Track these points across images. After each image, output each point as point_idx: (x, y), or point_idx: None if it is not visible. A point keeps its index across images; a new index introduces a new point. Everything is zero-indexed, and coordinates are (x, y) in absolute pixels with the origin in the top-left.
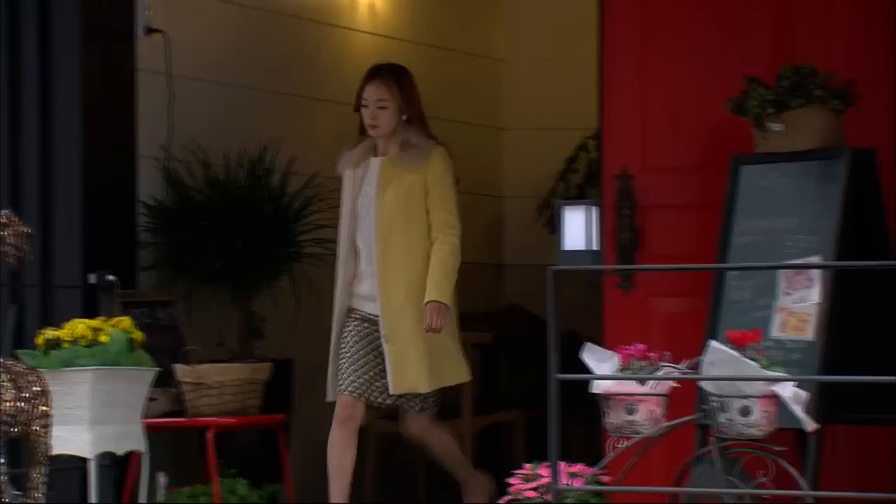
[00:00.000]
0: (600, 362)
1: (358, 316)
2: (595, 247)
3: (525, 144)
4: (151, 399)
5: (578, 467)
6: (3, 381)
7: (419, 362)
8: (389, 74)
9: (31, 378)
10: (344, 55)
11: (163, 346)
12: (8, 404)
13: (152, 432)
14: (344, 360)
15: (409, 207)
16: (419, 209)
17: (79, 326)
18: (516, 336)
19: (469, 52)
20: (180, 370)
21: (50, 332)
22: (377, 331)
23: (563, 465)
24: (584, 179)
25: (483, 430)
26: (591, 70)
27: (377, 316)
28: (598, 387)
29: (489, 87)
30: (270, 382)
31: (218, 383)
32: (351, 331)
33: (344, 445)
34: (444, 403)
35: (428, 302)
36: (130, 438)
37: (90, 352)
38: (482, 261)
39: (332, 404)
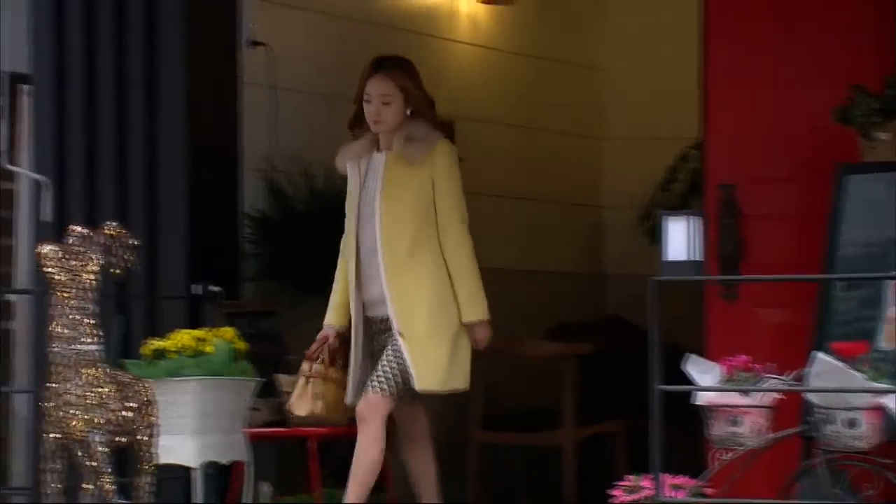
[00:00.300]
0: (703, 373)
1: (367, 323)
2: (697, 257)
3: (626, 154)
4: (254, 409)
5: (681, 479)
6: (111, 391)
7: (439, 361)
8: (393, 67)
9: (137, 388)
10: (444, 66)
11: (266, 357)
12: (115, 414)
13: (255, 442)
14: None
15: (416, 203)
16: (427, 204)
17: (183, 337)
18: (617, 347)
19: (569, 62)
20: (283, 380)
21: (155, 343)
22: (384, 331)
23: (666, 477)
24: (686, 189)
25: (585, 442)
26: (692, 79)
27: (385, 318)
28: (702, 398)
29: (590, 97)
30: None
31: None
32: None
33: (370, 444)
34: (544, 413)
35: (472, 323)
36: (234, 448)
37: (195, 362)
38: (582, 271)
39: (435, 411)
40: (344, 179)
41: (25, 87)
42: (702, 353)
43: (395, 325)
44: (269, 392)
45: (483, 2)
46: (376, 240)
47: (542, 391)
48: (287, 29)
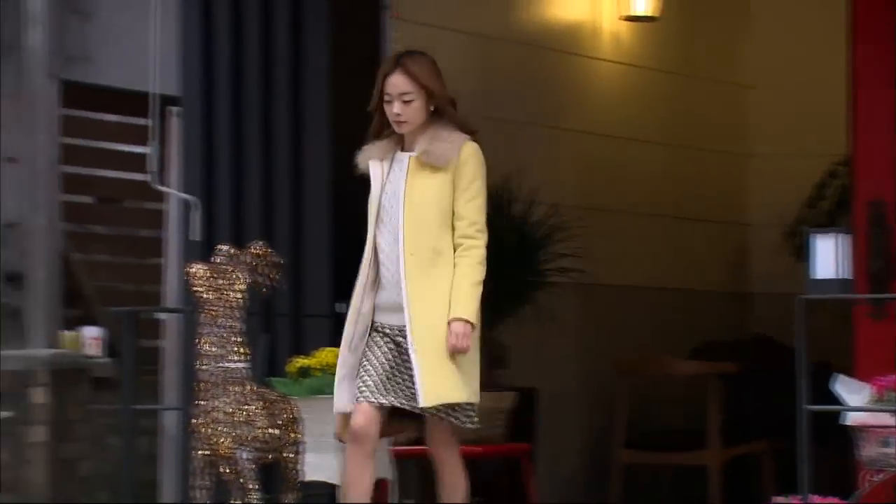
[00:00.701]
0: (853, 393)
1: (381, 331)
2: (846, 275)
3: (772, 171)
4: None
5: (831, 500)
6: (258, 409)
7: (453, 372)
8: (413, 64)
9: (283, 405)
10: (587, 84)
11: None
12: (262, 431)
13: (400, 459)
14: (365, 373)
15: (440, 208)
16: (450, 209)
17: (328, 355)
18: (763, 366)
19: (714, 79)
20: None
21: (300, 361)
22: (402, 345)
23: (815, 499)
24: (833, 206)
25: (730, 462)
26: (839, 94)
27: (402, 327)
28: (852, 419)
29: (735, 114)
30: (515, 411)
31: None
32: (374, 346)
33: (360, 466)
34: (690, 433)
35: (452, 320)
36: (378, 465)
37: None
38: (727, 290)
39: (578, 434)
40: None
41: (174, 109)
42: (850, 373)
43: (411, 339)
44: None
45: (626, 19)
46: (398, 246)
47: (688, 411)
48: (428, 49)
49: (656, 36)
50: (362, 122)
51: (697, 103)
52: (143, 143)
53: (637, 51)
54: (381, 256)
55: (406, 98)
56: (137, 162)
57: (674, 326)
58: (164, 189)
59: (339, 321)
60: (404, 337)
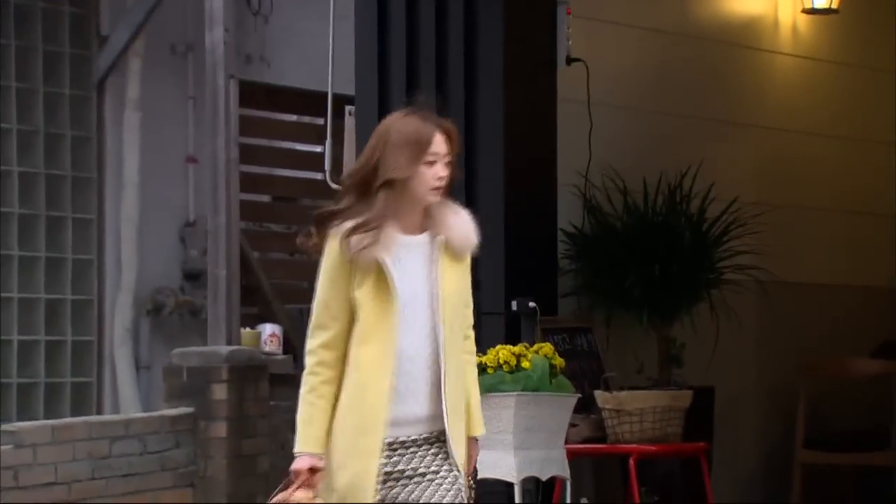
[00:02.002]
0: None
1: (394, 448)
2: None
3: None
4: (572, 425)
5: None
6: None
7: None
8: (450, 125)
9: None
10: (765, 78)
11: (582, 373)
12: None
13: (574, 458)
14: None
15: (466, 301)
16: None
17: (502, 352)
18: None
19: (889, 70)
20: (601, 396)
21: (476, 359)
22: (406, 452)
23: None
24: None
25: None
26: None
27: (424, 437)
28: None
29: None
30: (691, 410)
31: (638, 410)
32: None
33: None
34: (874, 433)
35: (473, 437)
36: (553, 464)
37: (513, 377)
38: None
39: (755, 433)
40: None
41: (349, 108)
42: None
43: (455, 455)
44: (587, 408)
45: (806, 12)
46: (436, 349)
47: (870, 411)
48: (604, 45)
49: (836, 29)
50: (535, 121)
51: (877, 96)
52: (319, 142)
53: (817, 44)
54: (406, 364)
55: (449, 160)
56: (313, 161)
57: (853, 324)
58: (339, 187)
59: (513, 319)
60: (430, 445)
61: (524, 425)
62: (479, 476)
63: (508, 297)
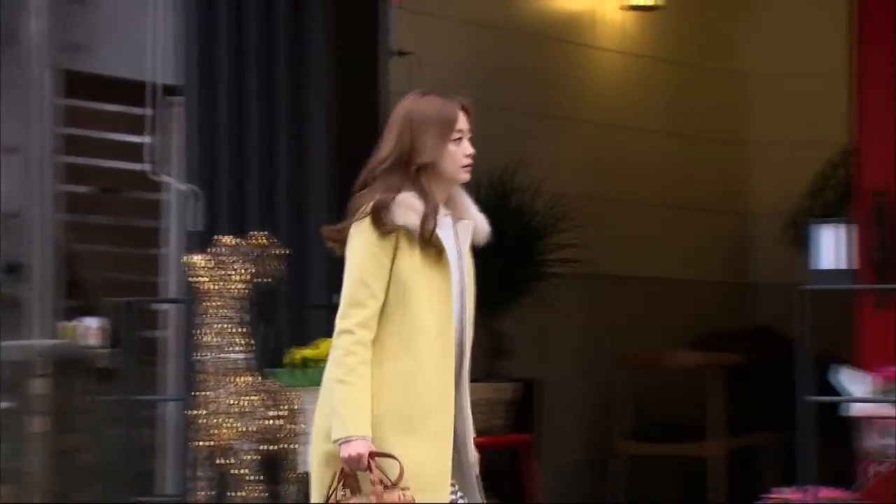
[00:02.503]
0: (855, 384)
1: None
2: (848, 266)
3: (774, 160)
4: None
5: (833, 491)
6: (259, 400)
7: None
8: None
9: (285, 397)
10: (589, 74)
11: None
12: (263, 422)
13: None
14: None
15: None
16: None
17: (329, 346)
18: (767, 357)
19: (716, 68)
20: None
21: (302, 352)
22: None
23: (817, 490)
24: (836, 196)
25: (735, 454)
26: (842, 83)
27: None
28: (854, 410)
29: (737, 103)
30: (517, 402)
31: (474, 401)
32: None
33: None
34: (692, 425)
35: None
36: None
37: None
38: (729, 280)
39: (580, 424)
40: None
41: (175, 99)
42: (852, 364)
43: (472, 456)
44: None
45: (629, 8)
46: (461, 348)
47: (690, 402)
48: (431, 38)
49: (659, 25)
50: (362, 114)
51: (700, 93)
52: (143, 132)
53: (640, 40)
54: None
55: (470, 137)
56: (138, 151)
57: (676, 317)
58: (163, 179)
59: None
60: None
61: None
62: (305, 470)
63: (334, 291)
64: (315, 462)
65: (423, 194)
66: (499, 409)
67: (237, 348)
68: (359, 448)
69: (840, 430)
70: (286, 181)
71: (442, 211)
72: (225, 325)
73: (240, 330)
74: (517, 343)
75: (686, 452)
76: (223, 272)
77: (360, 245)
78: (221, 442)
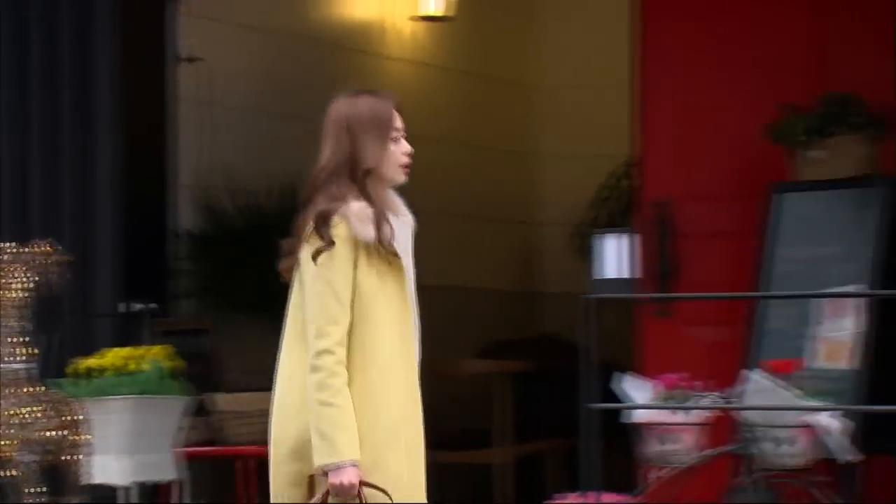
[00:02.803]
0: (637, 391)
1: None
2: (631, 275)
3: (561, 171)
4: (190, 427)
5: (615, 497)
6: (41, 410)
7: None
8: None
9: (67, 407)
10: (379, 83)
11: (200, 375)
12: (45, 433)
13: (191, 461)
14: None
15: None
16: None
17: (114, 355)
18: (552, 365)
19: (504, 79)
20: (218, 399)
21: (86, 361)
22: None
23: (599, 495)
24: (620, 207)
25: (521, 461)
26: (625, 96)
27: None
28: (636, 416)
29: (523, 114)
30: None
31: (255, 412)
32: None
33: None
34: (479, 432)
35: None
36: (165, 467)
37: (126, 380)
38: (516, 289)
39: None
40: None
41: None
42: (635, 372)
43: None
44: (204, 411)
45: (418, 19)
46: (417, 352)
47: (477, 410)
48: (221, 44)
49: (448, 36)
50: (149, 120)
51: (489, 103)
52: None
53: (429, 50)
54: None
55: (405, 135)
56: None
57: (464, 326)
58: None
59: (126, 321)
60: None
61: (137, 429)
62: (88, 481)
63: (119, 299)
64: (281, 483)
65: (371, 201)
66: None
67: (19, 358)
68: (351, 477)
69: (623, 436)
70: (71, 187)
71: (390, 214)
72: (5, 335)
73: (21, 339)
74: None
75: (474, 459)
76: (4, 280)
77: (324, 261)
78: (2, 453)
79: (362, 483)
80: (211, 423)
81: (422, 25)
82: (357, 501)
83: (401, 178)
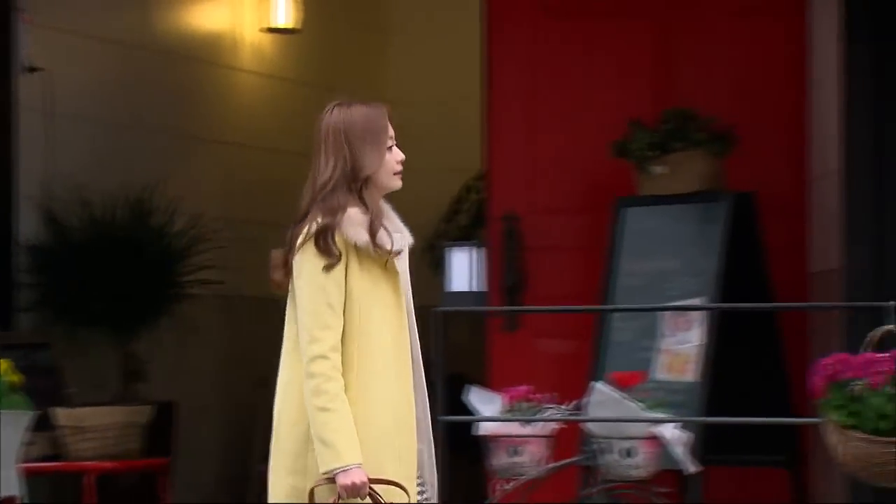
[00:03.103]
0: (485, 404)
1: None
2: (480, 288)
3: (410, 185)
4: (30, 443)
5: None
6: None
7: None
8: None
9: None
10: (228, 95)
11: (41, 389)
12: None
13: (31, 477)
14: None
15: None
16: None
17: None
18: None
19: (354, 92)
20: (59, 413)
21: None
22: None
23: None
24: (470, 220)
25: None
26: (475, 111)
27: None
28: (484, 429)
29: None
30: (152, 426)
31: (97, 426)
32: None
33: None
34: None
35: None
36: (7, 483)
37: None
38: None
39: (218, 447)
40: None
41: None
42: (484, 384)
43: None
44: (46, 425)
45: (268, 31)
46: (412, 357)
47: None
48: (65, 54)
49: (297, 48)
50: None
51: None
52: None
53: (278, 63)
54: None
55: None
56: None
57: None
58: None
59: None
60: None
61: None
62: None
63: None
64: (280, 497)
65: (367, 208)
66: (134, 433)
67: None
68: (360, 476)
69: (474, 448)
70: None
71: (386, 222)
72: None
73: None
74: (156, 365)
75: None
76: None
77: (315, 267)
78: None
79: (371, 481)
80: (52, 438)
81: (272, 37)
82: (369, 501)
83: (396, 184)
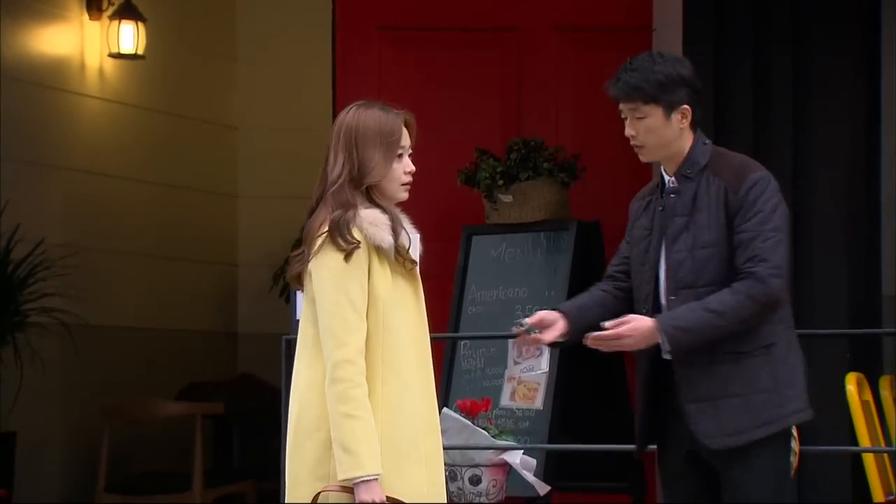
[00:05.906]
0: None
1: None
2: None
3: (261, 213)
4: None
5: None
6: None
7: None
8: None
9: None
10: (73, 120)
11: None
12: None
13: None
14: None
15: None
16: None
17: None
18: (250, 406)
19: (202, 119)
20: None
21: None
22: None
23: None
24: None
25: (217, 503)
26: (322, 139)
27: None
28: None
29: (223, 155)
30: None
31: None
32: None
33: None
34: (175, 475)
35: None
36: None
37: None
38: (214, 329)
39: (59, 479)
40: None
41: None
42: None
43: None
44: None
45: (113, 56)
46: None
47: (175, 452)
48: None
49: (142, 74)
50: None
51: (186, 143)
52: None
53: (124, 88)
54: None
55: (411, 154)
56: None
57: (163, 367)
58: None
59: None
60: None
61: None
62: None
63: None
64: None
65: (383, 210)
66: None
67: None
68: (380, 495)
69: None
70: None
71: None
72: None
73: None
74: None
75: (169, 503)
76: None
77: (336, 265)
78: None
79: (389, 500)
80: None
81: (116, 63)
82: None
83: (402, 195)
